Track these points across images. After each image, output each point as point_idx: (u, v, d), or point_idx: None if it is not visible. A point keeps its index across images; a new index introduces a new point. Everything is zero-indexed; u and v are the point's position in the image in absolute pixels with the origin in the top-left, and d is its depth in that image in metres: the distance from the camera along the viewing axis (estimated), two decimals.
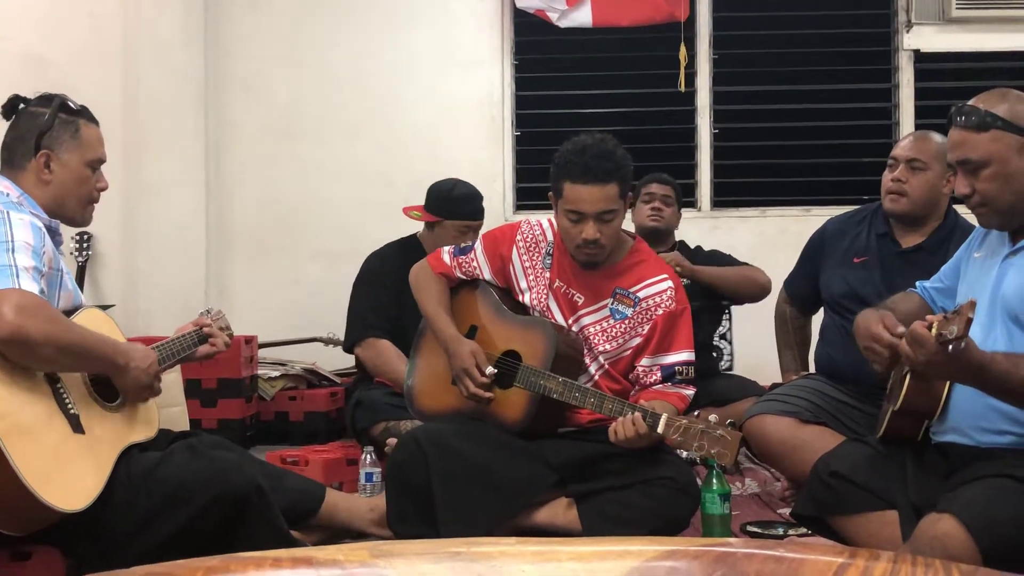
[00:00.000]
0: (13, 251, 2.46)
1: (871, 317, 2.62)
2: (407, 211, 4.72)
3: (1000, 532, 2.23)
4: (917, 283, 2.93)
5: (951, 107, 2.57)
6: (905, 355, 2.34)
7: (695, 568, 1.45)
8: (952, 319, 2.19)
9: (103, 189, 2.87)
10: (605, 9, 5.84)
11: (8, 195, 2.67)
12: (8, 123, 2.81)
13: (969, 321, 2.16)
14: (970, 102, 2.53)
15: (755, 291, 4.56)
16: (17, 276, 2.42)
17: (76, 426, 2.52)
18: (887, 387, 2.88)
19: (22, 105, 2.80)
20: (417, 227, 4.71)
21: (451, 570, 1.46)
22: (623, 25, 5.86)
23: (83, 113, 2.83)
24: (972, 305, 2.17)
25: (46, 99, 2.80)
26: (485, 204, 4.66)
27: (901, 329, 2.48)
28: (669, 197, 4.75)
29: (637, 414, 2.91)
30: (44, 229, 2.63)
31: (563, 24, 5.87)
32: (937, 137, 3.64)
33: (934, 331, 2.23)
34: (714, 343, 4.71)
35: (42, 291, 2.47)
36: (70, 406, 2.52)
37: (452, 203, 4.53)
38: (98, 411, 2.63)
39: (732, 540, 1.89)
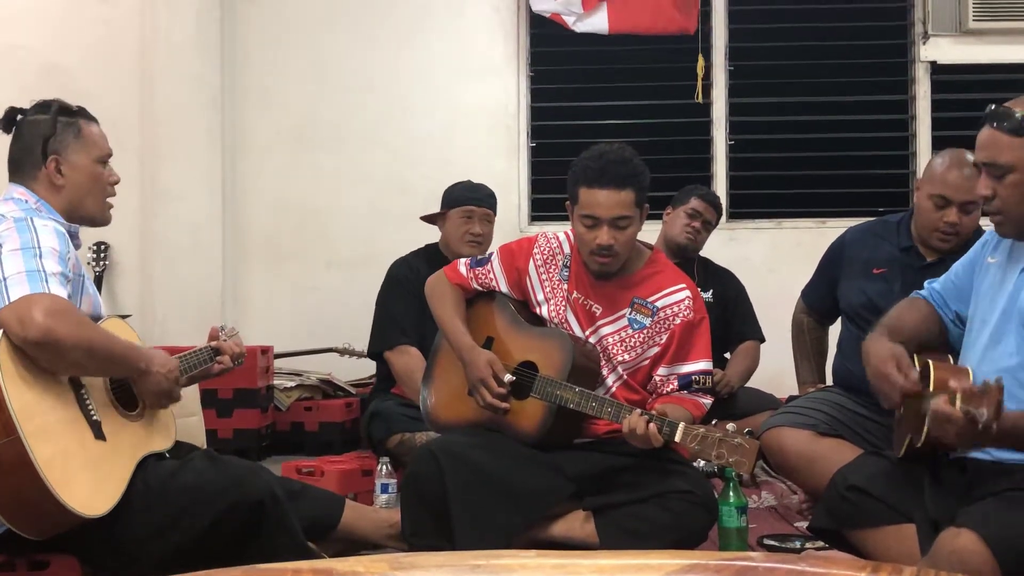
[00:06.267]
0: (41, 256, 2.49)
1: (882, 352, 2.61)
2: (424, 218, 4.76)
3: (1020, 547, 2.22)
4: (925, 284, 2.89)
5: (988, 108, 2.51)
6: (933, 433, 2.33)
7: None
8: (980, 399, 2.16)
9: (116, 183, 2.90)
10: (621, 15, 5.83)
11: (26, 202, 2.70)
12: (10, 136, 2.83)
13: (999, 404, 2.14)
14: (1007, 104, 2.49)
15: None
16: (46, 281, 2.45)
17: (98, 432, 2.54)
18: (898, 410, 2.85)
19: (20, 116, 2.82)
20: (435, 236, 4.72)
21: None
22: (639, 32, 5.86)
23: (81, 113, 2.85)
24: (1000, 388, 2.16)
25: (43, 106, 2.82)
26: (500, 215, 4.68)
27: (915, 375, 2.53)
28: (711, 224, 4.77)
29: (653, 425, 2.88)
30: (67, 235, 2.66)
31: (579, 29, 5.86)
32: None
33: (958, 405, 2.20)
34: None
35: (69, 296, 2.51)
36: (93, 412, 2.55)
37: (455, 192, 4.63)
38: (119, 419, 2.65)
39: (753, 554, 1.88)
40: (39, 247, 2.51)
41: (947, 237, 3.58)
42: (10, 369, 2.37)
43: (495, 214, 4.66)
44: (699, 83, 5.87)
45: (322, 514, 3.20)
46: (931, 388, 2.50)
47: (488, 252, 3.48)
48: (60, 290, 2.46)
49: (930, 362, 2.57)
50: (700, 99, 5.90)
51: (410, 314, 4.40)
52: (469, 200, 4.57)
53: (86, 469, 2.47)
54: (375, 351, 4.55)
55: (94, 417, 2.54)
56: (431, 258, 4.55)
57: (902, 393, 2.54)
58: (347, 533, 3.23)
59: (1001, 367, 2.47)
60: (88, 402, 2.55)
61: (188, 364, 2.96)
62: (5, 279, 2.44)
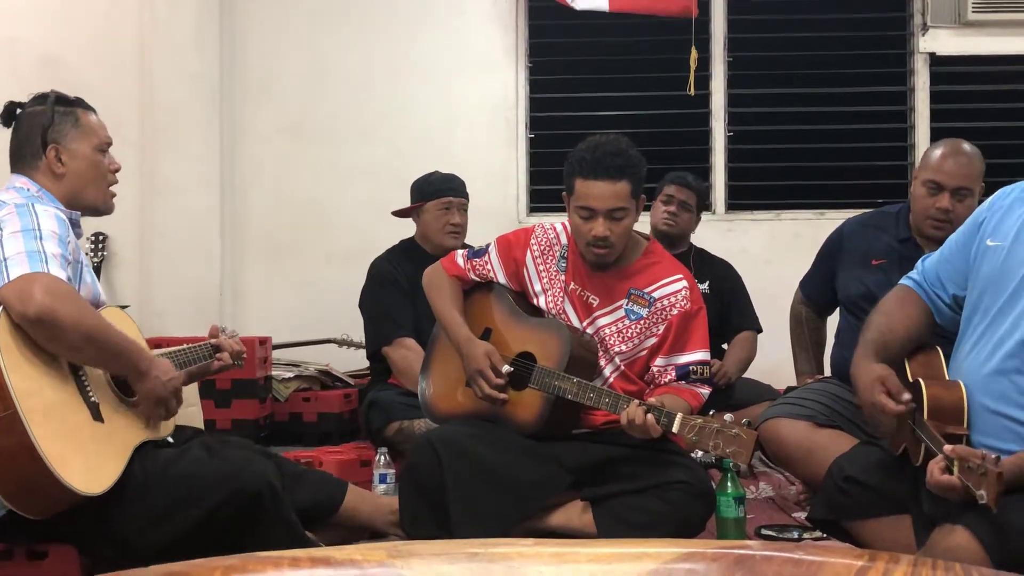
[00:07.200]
0: (41, 238, 2.52)
1: (869, 376, 2.62)
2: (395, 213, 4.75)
3: (1014, 545, 2.21)
4: (919, 263, 2.85)
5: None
6: (935, 493, 2.36)
7: (714, 570, 1.45)
8: (980, 479, 2.17)
9: (117, 170, 2.93)
10: None
11: (28, 190, 2.73)
12: (10, 129, 2.87)
13: (999, 491, 2.16)
14: None
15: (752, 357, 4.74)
16: (46, 262, 2.47)
17: (95, 414, 2.56)
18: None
19: (19, 110, 2.85)
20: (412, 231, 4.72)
21: (468, 571, 1.45)
22: (639, 12, 5.80)
23: (79, 103, 2.89)
24: (1000, 475, 2.17)
25: (41, 97, 2.86)
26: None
27: (907, 396, 2.54)
28: (688, 203, 4.74)
29: (651, 415, 2.89)
30: (67, 221, 2.68)
31: (579, 6, 5.78)
32: (972, 150, 3.59)
33: (956, 473, 2.24)
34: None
35: (69, 279, 2.52)
36: (91, 395, 2.57)
37: (429, 185, 4.60)
38: (116, 403, 2.67)
39: (751, 542, 1.88)
40: (39, 229, 2.53)
41: (940, 224, 3.56)
42: (10, 347, 2.39)
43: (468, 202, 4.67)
44: (691, 74, 5.83)
45: (324, 497, 3.20)
46: (925, 413, 2.50)
47: (486, 243, 3.48)
48: (60, 272, 2.48)
49: (921, 381, 2.57)
50: (692, 91, 5.84)
51: (404, 309, 4.39)
52: (447, 191, 4.55)
53: (84, 448, 2.48)
54: (374, 349, 4.50)
55: (92, 399, 2.56)
56: (410, 253, 4.54)
57: (895, 415, 2.57)
58: (348, 518, 3.24)
59: (1001, 368, 2.46)
60: (87, 384, 2.57)
61: (188, 358, 2.98)
62: (5, 259, 2.46)
